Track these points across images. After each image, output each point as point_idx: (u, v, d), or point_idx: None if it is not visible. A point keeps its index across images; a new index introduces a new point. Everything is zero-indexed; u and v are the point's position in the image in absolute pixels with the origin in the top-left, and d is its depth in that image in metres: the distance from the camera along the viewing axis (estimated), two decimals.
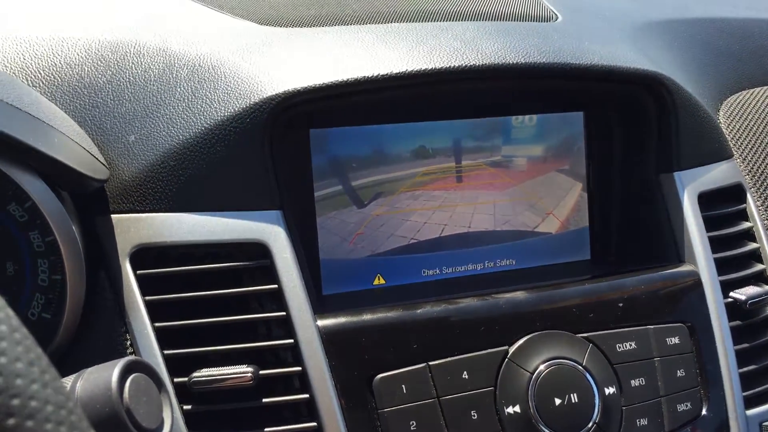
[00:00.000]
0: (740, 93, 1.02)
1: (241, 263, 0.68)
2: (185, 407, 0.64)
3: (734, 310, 0.80)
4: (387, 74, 0.71)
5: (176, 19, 0.82)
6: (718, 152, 0.87)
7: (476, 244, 0.83)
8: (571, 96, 0.86)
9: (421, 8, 0.87)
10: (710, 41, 1.05)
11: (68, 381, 0.46)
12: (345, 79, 0.70)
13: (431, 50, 0.74)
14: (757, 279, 0.85)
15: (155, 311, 0.66)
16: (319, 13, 0.84)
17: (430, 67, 0.72)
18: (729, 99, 1.01)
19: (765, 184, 0.92)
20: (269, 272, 0.68)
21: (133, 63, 0.74)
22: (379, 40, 0.77)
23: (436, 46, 0.75)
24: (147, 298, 0.66)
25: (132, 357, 0.49)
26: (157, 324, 0.66)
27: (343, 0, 0.90)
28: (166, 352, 0.65)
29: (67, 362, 0.64)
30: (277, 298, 0.67)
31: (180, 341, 0.66)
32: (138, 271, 0.66)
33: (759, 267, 0.85)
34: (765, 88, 1.04)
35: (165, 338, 0.66)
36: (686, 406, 0.74)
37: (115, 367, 0.45)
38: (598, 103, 0.86)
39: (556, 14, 0.93)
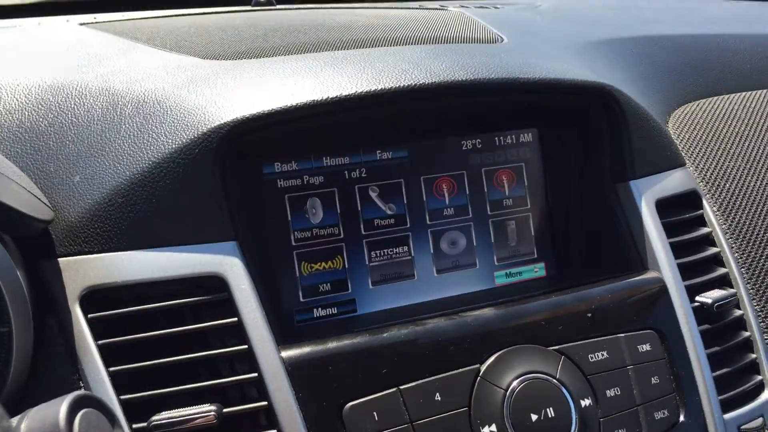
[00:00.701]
0: (687, 105, 1.04)
1: (197, 298, 0.65)
2: None
3: (702, 314, 0.80)
4: (336, 97, 0.70)
5: (118, 59, 0.80)
6: (671, 160, 0.88)
7: (444, 270, 0.82)
8: (523, 113, 0.86)
9: (367, 36, 0.88)
10: (653, 57, 1.07)
11: (13, 421, 0.43)
12: (294, 103, 0.69)
13: (379, 72, 0.74)
14: (721, 282, 0.85)
15: (110, 355, 0.63)
16: (264, 46, 0.84)
17: (378, 88, 0.71)
18: (677, 111, 1.03)
19: (719, 190, 0.93)
20: (228, 305, 0.65)
21: (75, 104, 0.72)
22: (326, 65, 0.76)
23: (383, 69, 0.75)
24: (100, 342, 0.63)
25: (81, 392, 0.46)
26: (111, 368, 0.62)
27: (287, 33, 0.89)
28: (122, 396, 0.62)
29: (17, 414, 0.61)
30: (238, 332, 0.65)
31: (137, 384, 0.63)
32: (89, 315, 0.63)
33: (722, 270, 0.85)
34: (710, 99, 1.07)
35: (121, 382, 0.62)
36: (663, 413, 0.73)
37: (63, 403, 0.42)
38: (550, 119, 0.87)
39: (501, 37, 0.94)
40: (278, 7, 1.21)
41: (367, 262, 0.79)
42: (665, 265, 0.79)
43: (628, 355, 0.73)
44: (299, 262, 0.77)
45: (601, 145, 0.84)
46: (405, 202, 0.81)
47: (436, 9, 1.16)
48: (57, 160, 0.68)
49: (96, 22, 1.02)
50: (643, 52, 1.07)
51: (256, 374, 0.64)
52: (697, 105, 1.05)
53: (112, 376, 0.62)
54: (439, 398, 0.66)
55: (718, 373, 0.78)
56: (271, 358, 0.64)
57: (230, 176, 0.69)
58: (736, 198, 0.93)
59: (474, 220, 0.84)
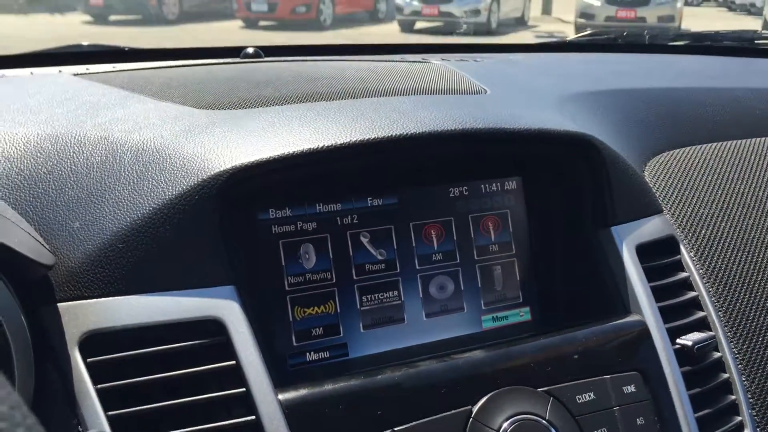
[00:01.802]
0: (661, 154, 1.08)
1: (196, 342, 0.66)
2: None
3: (683, 356, 0.82)
4: (330, 146, 0.73)
5: (115, 108, 0.83)
6: (650, 207, 0.91)
7: (433, 314, 0.84)
8: (508, 162, 0.89)
9: (357, 87, 0.91)
10: (627, 109, 1.11)
11: None
12: (291, 152, 0.71)
13: (372, 122, 0.77)
14: (701, 326, 0.87)
15: (108, 398, 0.63)
16: (259, 96, 0.86)
17: (372, 137, 0.74)
18: (652, 160, 1.06)
19: (695, 236, 0.97)
20: (226, 349, 0.66)
21: (74, 152, 0.74)
22: (320, 115, 0.79)
23: (376, 118, 0.78)
24: (99, 386, 0.63)
25: None
26: (110, 413, 0.63)
27: (280, 83, 0.92)
28: None
29: None
30: (236, 375, 0.66)
31: (137, 427, 0.63)
32: (88, 359, 0.64)
33: (700, 314, 0.88)
34: (682, 149, 1.10)
35: (120, 426, 0.63)
36: None
37: None
38: (534, 168, 0.90)
39: (485, 89, 0.98)
40: (266, 59, 1.25)
41: (358, 307, 0.81)
42: (647, 308, 0.82)
43: (614, 396, 0.75)
44: (293, 307, 0.78)
45: (583, 193, 0.87)
46: (395, 247, 0.83)
47: (419, 62, 1.20)
48: (56, 206, 0.70)
49: (89, 73, 1.04)
50: (617, 104, 1.11)
51: (254, 417, 0.64)
52: (671, 155, 1.09)
53: (111, 421, 0.63)
54: None
55: (700, 414, 0.80)
56: (269, 401, 0.65)
57: (228, 222, 0.71)
58: (712, 244, 0.96)
59: (461, 265, 0.86)
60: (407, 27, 12.40)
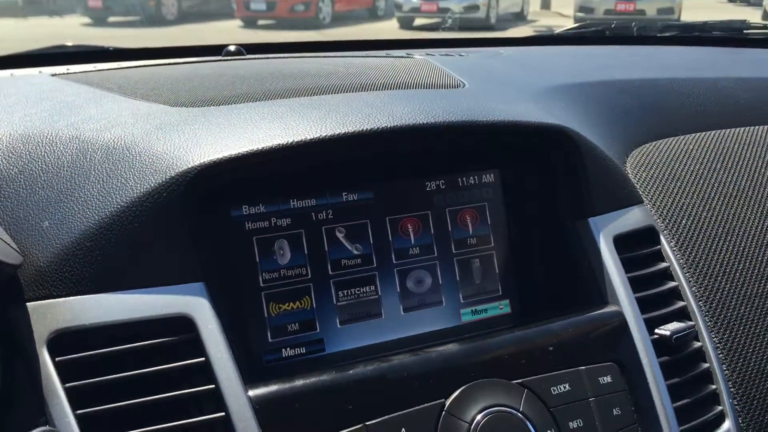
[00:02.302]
0: (644, 145, 1.08)
1: (165, 339, 0.66)
2: None
3: (661, 346, 0.82)
4: (301, 141, 0.73)
5: (89, 107, 0.82)
6: (629, 198, 0.91)
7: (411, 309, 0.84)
8: (484, 155, 0.89)
9: (332, 83, 0.91)
10: (609, 101, 1.11)
11: None
12: (260, 148, 0.71)
13: (343, 116, 0.76)
14: (680, 315, 0.87)
15: (77, 397, 0.63)
16: (231, 93, 0.86)
17: (343, 132, 0.74)
18: (634, 151, 1.06)
19: (676, 226, 0.96)
20: (196, 345, 0.66)
21: (45, 152, 0.74)
22: (291, 111, 0.79)
23: (348, 113, 0.77)
24: (67, 384, 0.63)
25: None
26: (78, 411, 0.63)
27: (255, 81, 0.92)
28: None
29: None
30: (206, 372, 0.66)
31: (106, 426, 0.63)
32: (57, 358, 0.64)
33: (680, 304, 0.87)
34: (666, 140, 1.10)
35: (89, 425, 0.62)
36: None
37: None
38: (510, 160, 0.89)
39: (462, 82, 0.98)
40: (248, 57, 1.24)
41: (335, 302, 0.80)
42: (624, 299, 0.81)
43: (589, 386, 0.74)
44: (267, 303, 0.78)
45: (560, 184, 0.87)
46: (371, 242, 0.82)
47: (402, 57, 1.20)
48: (26, 206, 0.70)
49: (68, 73, 1.04)
50: (600, 96, 1.11)
51: (223, 413, 0.64)
52: (654, 145, 1.08)
53: (80, 419, 0.62)
54: None
55: (678, 404, 0.80)
56: (238, 397, 0.65)
57: (199, 219, 0.71)
58: (693, 233, 0.96)
59: (439, 259, 0.85)
60: (406, 24, 12.39)
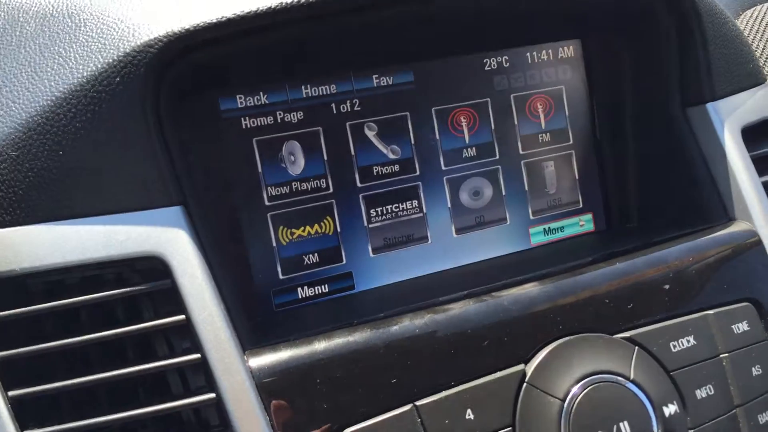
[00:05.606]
0: (755, 8, 0.87)
1: (129, 289, 0.48)
2: None
3: None
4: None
5: None
6: (753, 76, 0.73)
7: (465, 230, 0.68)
8: (563, 19, 0.71)
9: None
10: None
11: None
12: (255, 7, 0.50)
13: None
14: None
15: (11, 372, 0.46)
16: None
17: None
18: (742, 15, 0.86)
19: None
20: (172, 298, 0.48)
21: None
22: None
23: None
24: None
25: None
26: (11, 392, 0.46)
27: None
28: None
29: None
30: (188, 335, 0.47)
31: (53, 411, 0.46)
32: None
33: None
34: None
35: (28, 410, 0.46)
36: None
37: None
38: (598, 26, 0.72)
39: None
40: None
41: (365, 224, 0.66)
42: (758, 213, 0.65)
43: (720, 339, 0.58)
44: (276, 228, 0.63)
45: (667, 58, 0.69)
46: (412, 142, 0.67)
47: None
48: None
49: None
50: None
51: (213, 395, 0.46)
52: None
53: (12, 403, 0.45)
54: (471, 416, 0.50)
55: None
56: (234, 369, 0.47)
57: (172, 114, 0.52)
58: None
59: (502, 163, 0.70)
60: None
